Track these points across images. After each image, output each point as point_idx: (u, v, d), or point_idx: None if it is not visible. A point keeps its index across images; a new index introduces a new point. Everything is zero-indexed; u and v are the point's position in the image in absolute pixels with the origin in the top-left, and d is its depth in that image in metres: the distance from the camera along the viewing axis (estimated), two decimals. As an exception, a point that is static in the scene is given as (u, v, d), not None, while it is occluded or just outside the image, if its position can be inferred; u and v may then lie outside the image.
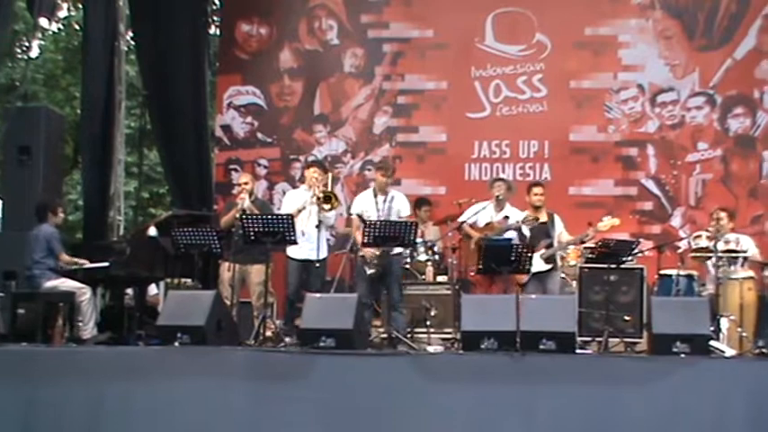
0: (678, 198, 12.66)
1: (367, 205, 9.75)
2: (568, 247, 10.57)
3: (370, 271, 9.43)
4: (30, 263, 9.50)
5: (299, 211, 9.72)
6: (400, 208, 9.70)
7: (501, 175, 11.95)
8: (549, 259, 9.97)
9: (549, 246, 10.01)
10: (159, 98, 13.22)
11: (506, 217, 10.11)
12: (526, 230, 9.89)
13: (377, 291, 9.64)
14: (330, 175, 10.20)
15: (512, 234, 9.91)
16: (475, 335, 7.79)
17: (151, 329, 9.05)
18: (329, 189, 9.73)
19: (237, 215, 9.52)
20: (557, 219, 10.22)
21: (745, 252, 9.80)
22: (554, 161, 12.85)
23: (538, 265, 9.76)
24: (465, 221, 10.12)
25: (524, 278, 9.61)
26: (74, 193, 17.70)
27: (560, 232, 10.16)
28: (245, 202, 9.86)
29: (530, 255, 8.69)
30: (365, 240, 9.03)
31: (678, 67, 12.81)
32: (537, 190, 10.19)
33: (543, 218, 10.09)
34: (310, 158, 12.39)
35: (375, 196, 9.76)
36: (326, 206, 9.51)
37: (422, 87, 13.27)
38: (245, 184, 10.20)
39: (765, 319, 9.64)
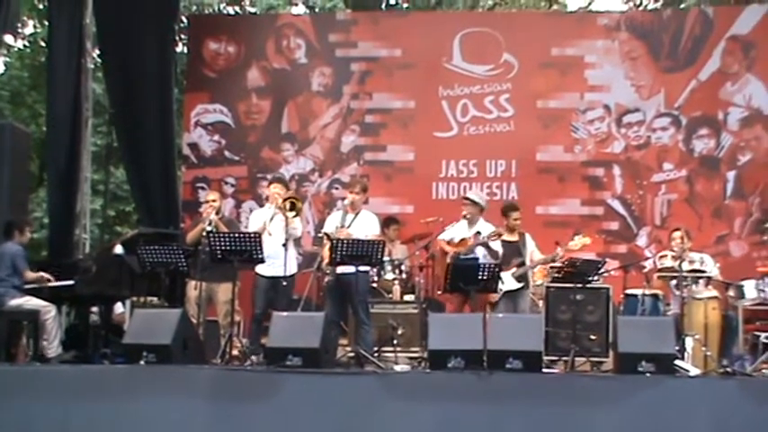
0: (643, 218, 12.76)
1: (336, 223, 9.75)
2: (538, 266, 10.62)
3: (327, 278, 9.45)
4: (-6, 281, 9.41)
5: (266, 224, 9.70)
6: (367, 227, 9.66)
7: (468, 194, 11.95)
8: (521, 278, 10.01)
9: (521, 264, 10.06)
10: (126, 116, 13.16)
11: (478, 232, 10.16)
12: (496, 246, 9.92)
13: (343, 309, 9.63)
14: (291, 192, 10.19)
15: (480, 250, 9.94)
16: (442, 354, 7.81)
17: (117, 348, 9.01)
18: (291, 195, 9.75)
19: (204, 233, 9.48)
20: (528, 237, 10.28)
21: (709, 272, 9.88)
22: (521, 180, 12.92)
23: (509, 283, 9.82)
24: (440, 238, 10.16)
25: (495, 297, 9.66)
26: (39, 210, 17.55)
27: (532, 251, 10.23)
28: (210, 215, 9.82)
29: (498, 273, 8.71)
30: (332, 259, 9.03)
31: (644, 87, 12.94)
32: (515, 215, 10.26)
33: (515, 237, 10.15)
34: (270, 176, 12.30)
35: (345, 214, 9.76)
36: (291, 213, 9.48)
37: (389, 106, 13.31)
38: (213, 201, 10.14)
39: (729, 339, 9.72)
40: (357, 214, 9.72)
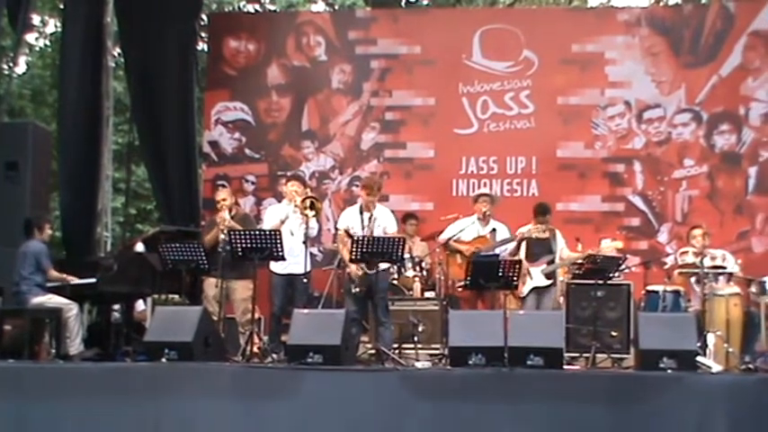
0: (665, 214, 12.69)
1: (353, 221, 9.72)
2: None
3: (355, 290, 9.43)
4: (17, 279, 9.43)
5: (282, 222, 9.70)
6: (386, 225, 9.66)
7: (483, 190, 11.99)
8: (550, 275, 10.01)
9: (551, 261, 10.06)
10: (146, 114, 13.21)
11: (494, 230, 10.17)
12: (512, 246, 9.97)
13: (364, 307, 9.63)
14: (308, 189, 10.19)
15: (506, 248, 9.99)
16: (463, 350, 7.80)
17: (138, 345, 9.05)
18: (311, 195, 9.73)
19: (223, 233, 9.50)
20: (558, 235, 10.30)
21: (730, 269, 9.84)
22: (541, 177, 12.88)
23: (538, 279, 9.85)
24: (450, 238, 10.14)
25: (523, 291, 9.69)
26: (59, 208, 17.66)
27: (562, 248, 10.25)
28: (225, 221, 9.80)
29: (518, 271, 8.68)
30: (353, 257, 9.04)
31: (665, 83, 12.87)
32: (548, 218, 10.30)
33: (545, 234, 10.18)
34: (288, 173, 12.30)
35: (361, 213, 9.75)
36: (311, 212, 9.49)
37: (409, 103, 13.30)
38: (223, 200, 10.07)
39: (751, 335, 9.68)
40: (373, 212, 9.73)
